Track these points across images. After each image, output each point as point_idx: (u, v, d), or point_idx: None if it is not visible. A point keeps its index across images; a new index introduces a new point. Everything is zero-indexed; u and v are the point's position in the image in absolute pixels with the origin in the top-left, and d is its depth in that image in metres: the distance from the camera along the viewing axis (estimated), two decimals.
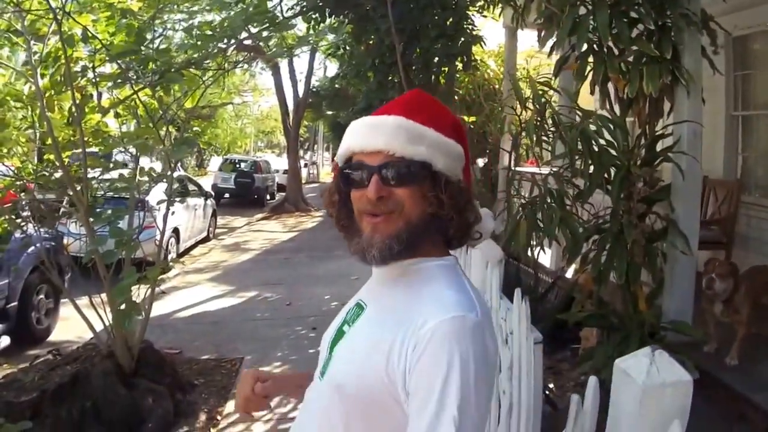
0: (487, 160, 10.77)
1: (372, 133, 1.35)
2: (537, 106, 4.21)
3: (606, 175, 4.21)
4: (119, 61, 4.84)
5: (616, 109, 4.54)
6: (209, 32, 4.66)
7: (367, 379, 1.30)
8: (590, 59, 4.32)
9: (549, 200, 4.19)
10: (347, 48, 9.36)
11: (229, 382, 5.78)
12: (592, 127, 3.98)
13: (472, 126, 9.65)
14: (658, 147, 4.44)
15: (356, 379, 1.32)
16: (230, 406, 5.32)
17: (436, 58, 8.24)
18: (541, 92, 4.35)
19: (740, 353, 4.32)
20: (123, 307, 4.37)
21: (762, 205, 6.39)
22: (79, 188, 4.89)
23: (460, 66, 8.58)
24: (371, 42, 8.46)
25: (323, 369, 1.44)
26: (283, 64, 24.72)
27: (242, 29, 4.76)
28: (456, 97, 9.84)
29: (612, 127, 4.08)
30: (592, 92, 4.61)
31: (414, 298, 1.32)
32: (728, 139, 6.90)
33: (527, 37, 8.63)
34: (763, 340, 4.67)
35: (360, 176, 1.34)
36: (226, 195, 25.52)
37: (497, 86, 10.96)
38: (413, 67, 8.23)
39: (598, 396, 1.80)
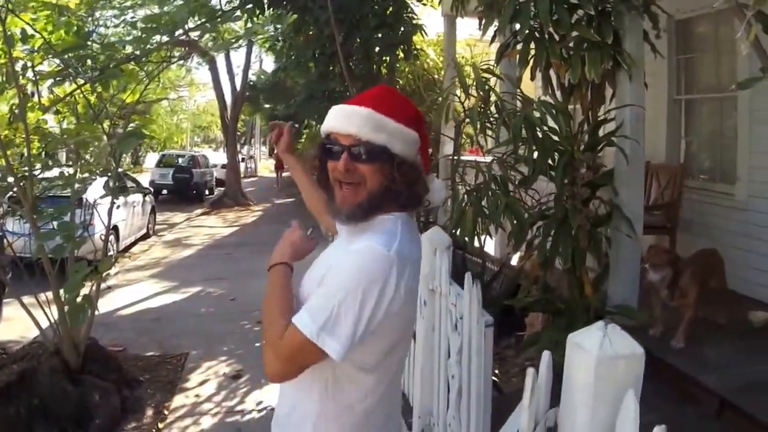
0: (430, 150, 10.75)
1: (347, 119, 1.70)
2: (481, 92, 4.22)
3: (549, 161, 4.24)
4: (59, 59, 4.76)
5: (558, 95, 4.58)
6: (154, 25, 4.56)
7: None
8: (532, 46, 4.35)
9: (494, 186, 4.20)
10: (285, 41, 9.23)
11: (175, 377, 5.72)
12: (536, 114, 4.01)
13: None
14: (601, 132, 4.48)
15: (305, 293, 1.76)
16: (177, 400, 5.27)
17: (377, 48, 8.19)
18: (484, 79, 4.36)
19: (686, 336, 4.40)
20: (76, 301, 4.31)
21: (705, 189, 6.42)
22: (22, 185, 4.81)
23: (401, 55, 8.51)
24: (311, 33, 8.36)
25: None
26: (220, 58, 24.47)
27: (186, 21, 4.67)
28: (396, 87, 9.82)
29: (555, 113, 4.11)
30: (532, 78, 4.64)
31: (359, 234, 1.70)
32: (671, 123, 6.91)
33: (466, 26, 8.65)
34: (708, 323, 4.76)
35: (335, 150, 1.70)
36: (164, 191, 25.07)
37: (437, 76, 10.99)
38: (354, 57, 8.16)
39: (551, 370, 1.82)
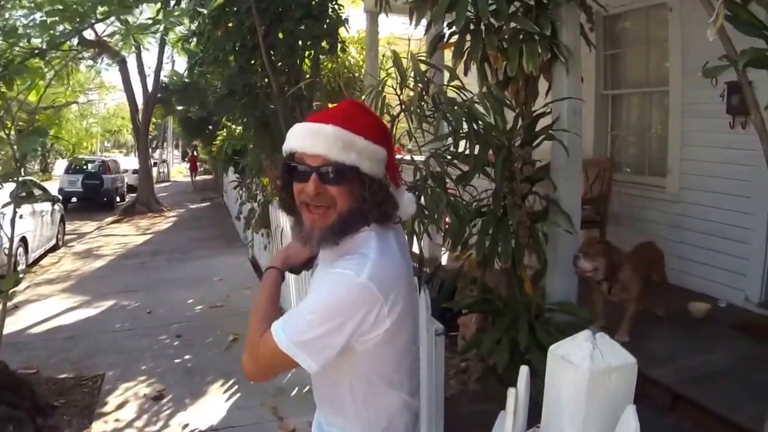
0: None
1: (313, 138, 1.63)
2: (420, 85, 4.03)
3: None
4: None
5: (493, 88, 4.44)
6: (60, 7, 4.17)
7: None
8: (467, 37, 4.20)
9: (432, 184, 4.03)
10: (203, 34, 8.82)
11: (92, 401, 5.29)
12: (479, 107, 3.87)
13: None
14: (537, 127, 4.39)
15: None
16: (96, 426, 4.87)
17: (301, 41, 7.91)
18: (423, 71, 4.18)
19: (630, 330, 4.37)
20: None
21: (633, 182, 6.55)
22: None
23: (326, 48, 8.22)
24: (231, 25, 8.02)
25: None
26: (131, 58, 23.64)
27: (95, 8, 4.30)
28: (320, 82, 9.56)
29: (497, 105, 3.98)
30: (466, 72, 4.50)
31: (338, 258, 1.67)
32: (598, 117, 7.03)
33: (388, 24, 8.51)
34: (647, 315, 4.76)
35: (302, 172, 1.64)
36: (74, 199, 24.05)
37: (358, 74, 10.85)
38: (277, 50, 7.85)
39: (529, 386, 1.65)
